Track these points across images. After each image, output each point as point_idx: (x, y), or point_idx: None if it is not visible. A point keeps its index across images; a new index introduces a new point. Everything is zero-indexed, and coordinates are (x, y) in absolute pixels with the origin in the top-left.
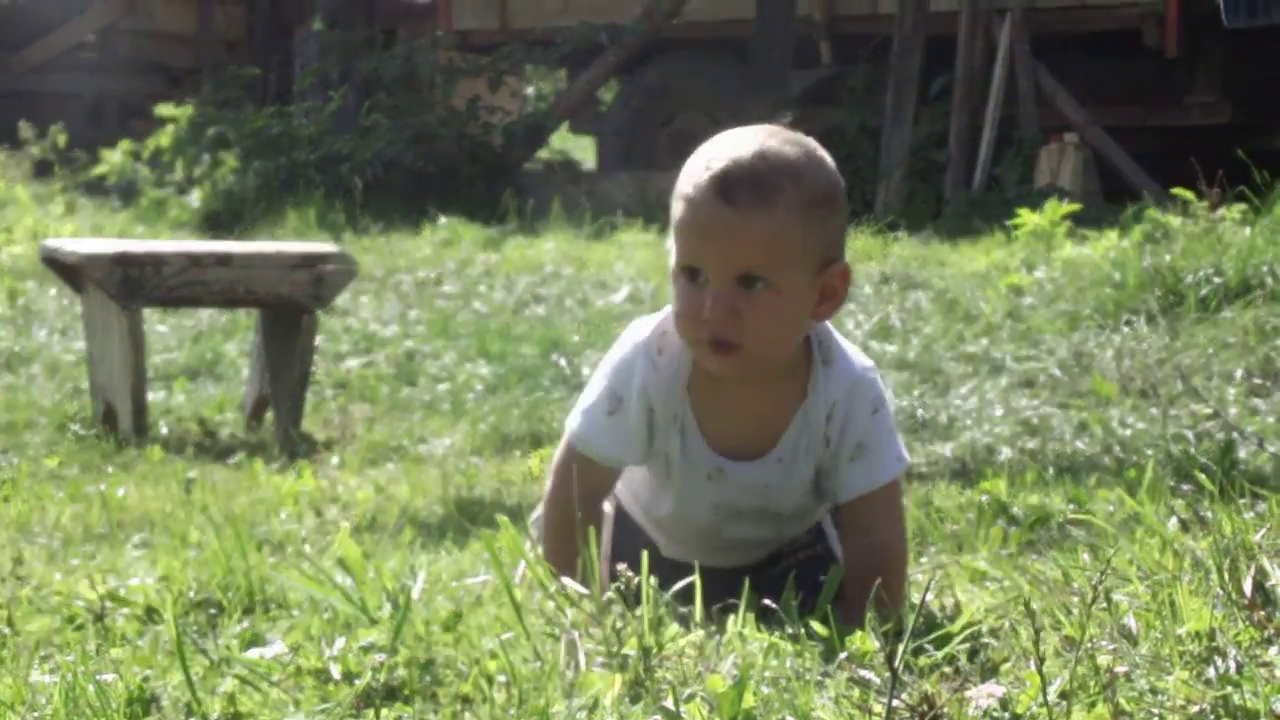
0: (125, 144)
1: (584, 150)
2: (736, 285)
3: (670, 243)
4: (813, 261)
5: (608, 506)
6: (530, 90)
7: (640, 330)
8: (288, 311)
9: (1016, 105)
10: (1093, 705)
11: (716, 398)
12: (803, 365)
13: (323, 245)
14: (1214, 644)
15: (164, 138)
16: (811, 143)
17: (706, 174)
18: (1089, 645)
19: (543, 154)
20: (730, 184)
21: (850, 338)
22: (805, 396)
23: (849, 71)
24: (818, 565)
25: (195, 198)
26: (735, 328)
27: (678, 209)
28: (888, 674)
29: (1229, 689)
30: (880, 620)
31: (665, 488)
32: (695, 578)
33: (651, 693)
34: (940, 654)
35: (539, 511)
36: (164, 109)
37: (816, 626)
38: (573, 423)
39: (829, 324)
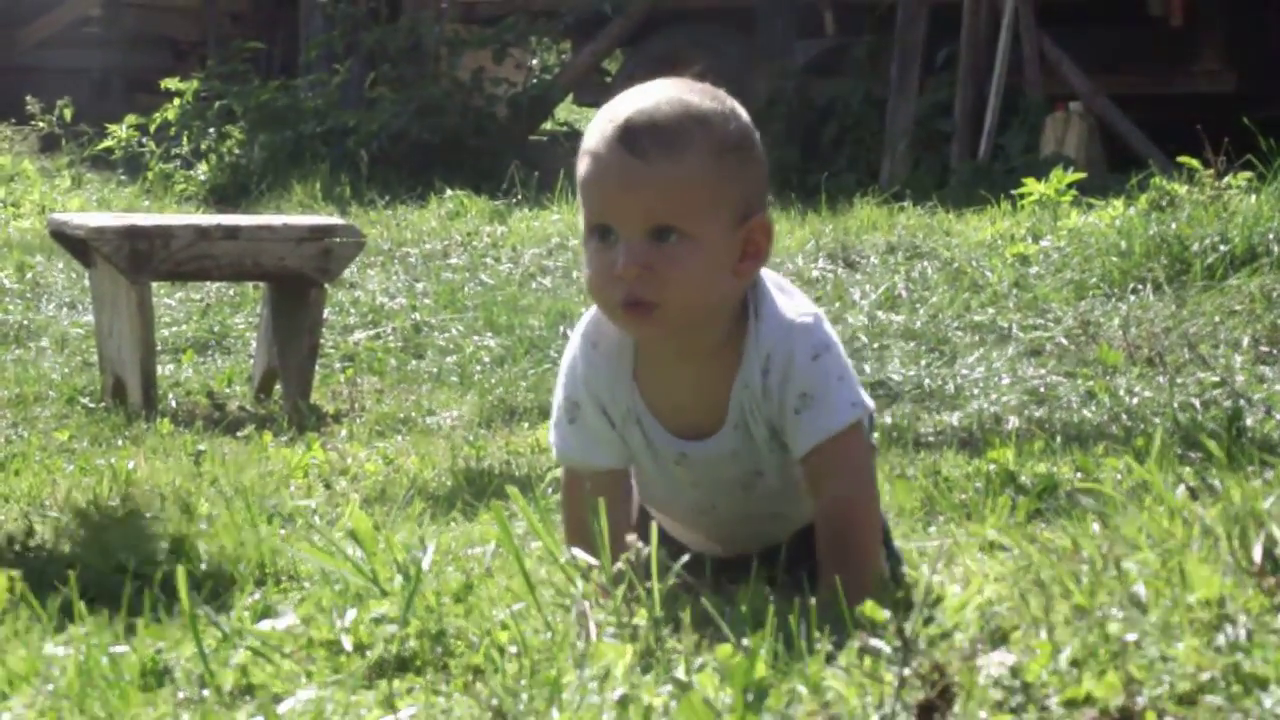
0: (131, 118)
1: (589, 121)
2: (649, 240)
3: (579, 203)
4: (729, 212)
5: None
6: (535, 62)
7: (578, 328)
8: (296, 285)
9: (1021, 74)
10: (1103, 673)
11: (661, 382)
12: (739, 331)
13: (330, 218)
14: (1224, 611)
15: (170, 111)
16: (721, 93)
17: (610, 126)
18: (1099, 613)
19: (548, 125)
20: (634, 134)
21: (855, 308)
22: (742, 361)
23: (853, 42)
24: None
25: (201, 171)
26: (650, 284)
27: (583, 166)
28: (899, 643)
29: (1239, 656)
30: (846, 587)
31: (645, 477)
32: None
33: (663, 663)
34: (950, 623)
35: None
36: (169, 83)
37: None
38: (550, 439)
39: (766, 279)
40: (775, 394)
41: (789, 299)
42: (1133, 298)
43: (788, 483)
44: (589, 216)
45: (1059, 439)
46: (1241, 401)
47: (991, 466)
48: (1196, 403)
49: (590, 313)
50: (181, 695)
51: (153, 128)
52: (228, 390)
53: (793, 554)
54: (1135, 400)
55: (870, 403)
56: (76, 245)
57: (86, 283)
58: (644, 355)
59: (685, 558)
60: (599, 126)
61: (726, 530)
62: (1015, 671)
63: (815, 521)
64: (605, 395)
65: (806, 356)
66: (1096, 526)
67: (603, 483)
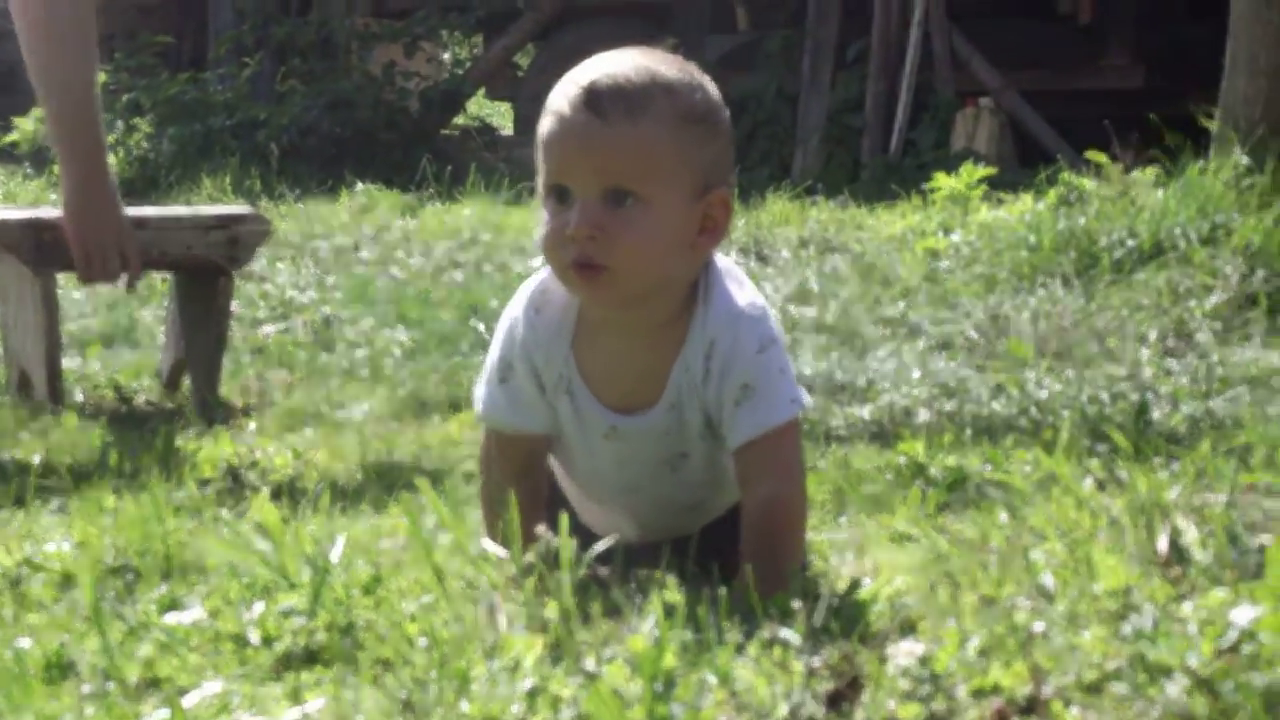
0: (37, 111)
1: (502, 116)
2: (605, 202)
3: (538, 164)
4: (689, 182)
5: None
6: (446, 56)
7: (523, 290)
8: (203, 274)
9: (932, 70)
10: (1010, 662)
11: (600, 353)
12: (685, 311)
13: (238, 207)
14: (1129, 601)
15: None
16: (692, 66)
17: (575, 87)
18: (1007, 603)
19: (460, 120)
20: (598, 95)
21: (769, 301)
22: (686, 340)
23: (766, 37)
24: (726, 517)
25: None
26: (602, 247)
27: (544, 125)
28: (808, 633)
29: (1144, 645)
30: (766, 582)
31: (568, 450)
32: (614, 539)
33: (572, 654)
34: (859, 613)
35: None
36: None
37: (738, 585)
38: (476, 395)
39: (720, 264)
40: (715, 381)
41: (739, 288)
42: (1042, 292)
43: (712, 469)
44: (546, 176)
45: (968, 432)
46: (1148, 395)
47: (902, 459)
48: (1104, 396)
49: (536, 278)
50: (86, 689)
51: None
52: (135, 384)
53: (704, 545)
54: (1044, 393)
55: (807, 400)
56: None
57: None
58: (586, 325)
59: (597, 548)
60: (564, 87)
61: (646, 513)
62: (924, 661)
63: (743, 515)
64: (540, 360)
65: (752, 348)
66: (1005, 517)
67: (524, 447)
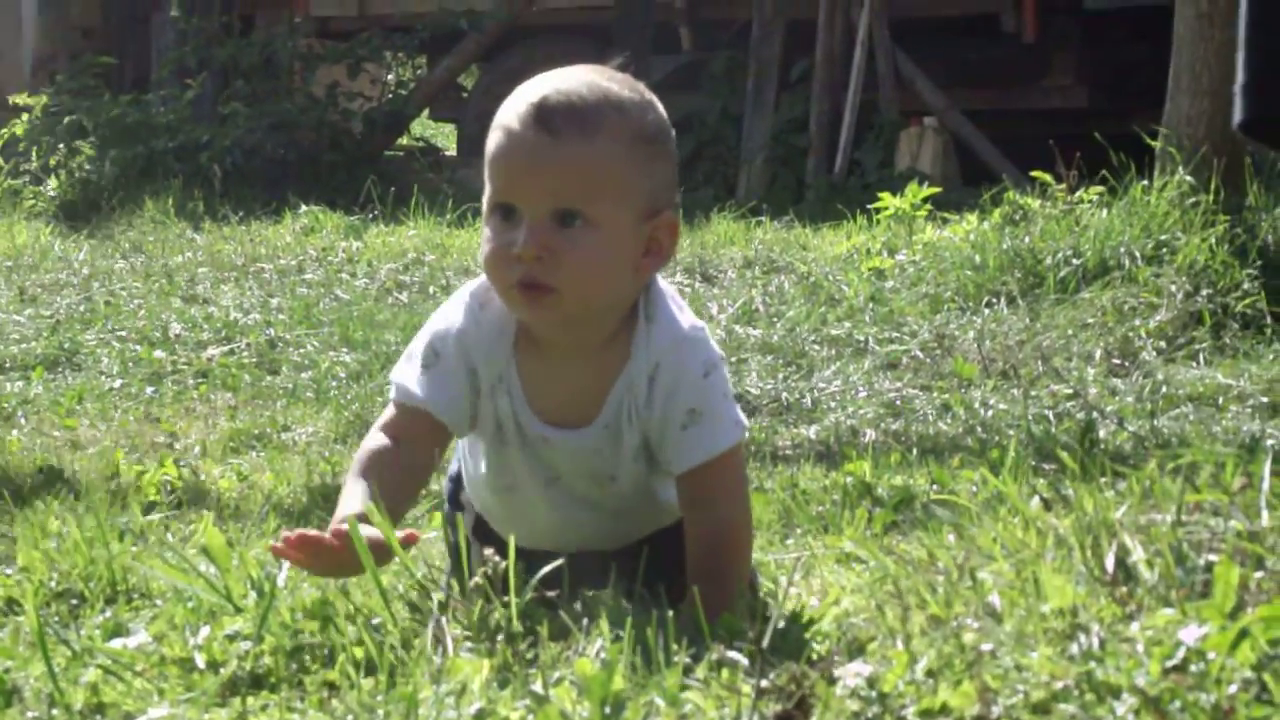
0: None
1: (446, 137)
2: (552, 222)
3: (486, 180)
4: (637, 204)
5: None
6: (390, 77)
7: (465, 288)
8: None
9: (876, 90)
10: (959, 683)
11: (541, 362)
12: (628, 328)
13: None
14: (1077, 620)
15: (18, 127)
16: (641, 86)
17: (525, 103)
18: (954, 624)
19: (404, 141)
20: (550, 112)
21: (713, 322)
22: (629, 359)
23: (710, 57)
24: (671, 538)
25: (51, 187)
26: (549, 268)
27: (493, 140)
28: (756, 654)
29: (1092, 664)
30: (712, 606)
31: (495, 458)
32: (561, 561)
33: (520, 677)
34: (807, 634)
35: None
36: (18, 98)
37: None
38: (391, 378)
39: (661, 285)
40: (660, 405)
41: (679, 310)
42: (987, 311)
43: (639, 492)
44: (493, 194)
45: (915, 451)
46: (1094, 414)
47: (848, 479)
48: (1050, 415)
49: (475, 282)
50: (30, 715)
51: (1, 144)
52: (78, 407)
53: (650, 567)
54: (990, 413)
55: (747, 424)
56: None
57: None
58: (526, 333)
59: (547, 568)
60: (514, 103)
61: (569, 529)
62: (872, 682)
63: (688, 539)
64: (480, 358)
65: (698, 372)
66: (952, 537)
67: (421, 424)
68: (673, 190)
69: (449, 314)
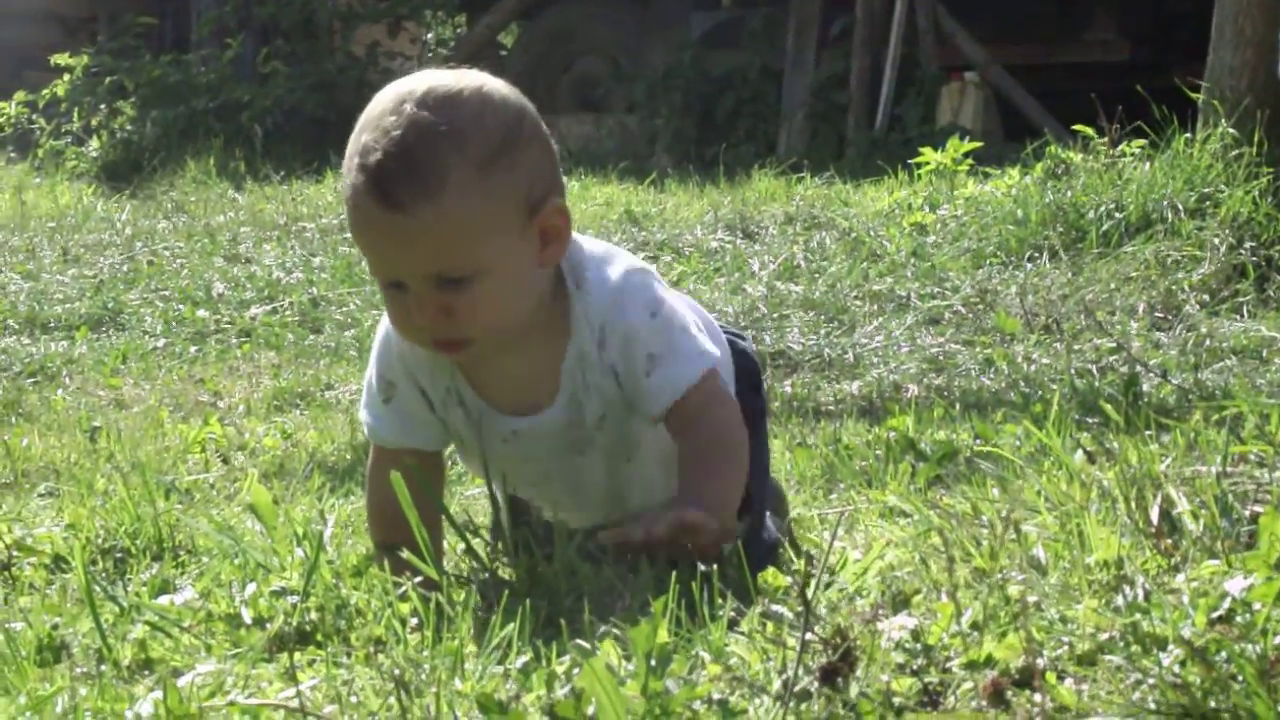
0: (20, 94)
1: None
2: (438, 288)
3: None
4: (514, 218)
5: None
6: (430, 36)
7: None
8: None
9: (917, 45)
10: (1004, 635)
11: (486, 365)
12: (560, 304)
13: None
14: (1122, 572)
15: (60, 87)
16: (471, 81)
17: (360, 174)
18: (999, 576)
19: None
20: (385, 182)
21: (755, 278)
22: (570, 333)
23: (749, 14)
24: None
25: (93, 148)
26: (454, 325)
27: (348, 207)
28: (800, 608)
29: (1138, 616)
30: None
31: (470, 455)
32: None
33: (565, 631)
34: (852, 587)
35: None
36: (60, 58)
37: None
38: (361, 417)
39: (581, 244)
40: (619, 364)
41: (609, 261)
42: (1029, 265)
43: (616, 454)
44: (371, 267)
45: (958, 406)
46: (1138, 367)
47: (891, 434)
48: (1093, 369)
49: None
50: (79, 670)
51: (42, 104)
52: (122, 367)
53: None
54: (1033, 367)
55: (717, 351)
56: None
57: None
58: None
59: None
60: (351, 166)
61: (563, 500)
62: (916, 634)
63: (680, 453)
64: (424, 377)
65: (643, 316)
66: (996, 491)
67: (416, 459)
68: (550, 174)
69: (385, 341)
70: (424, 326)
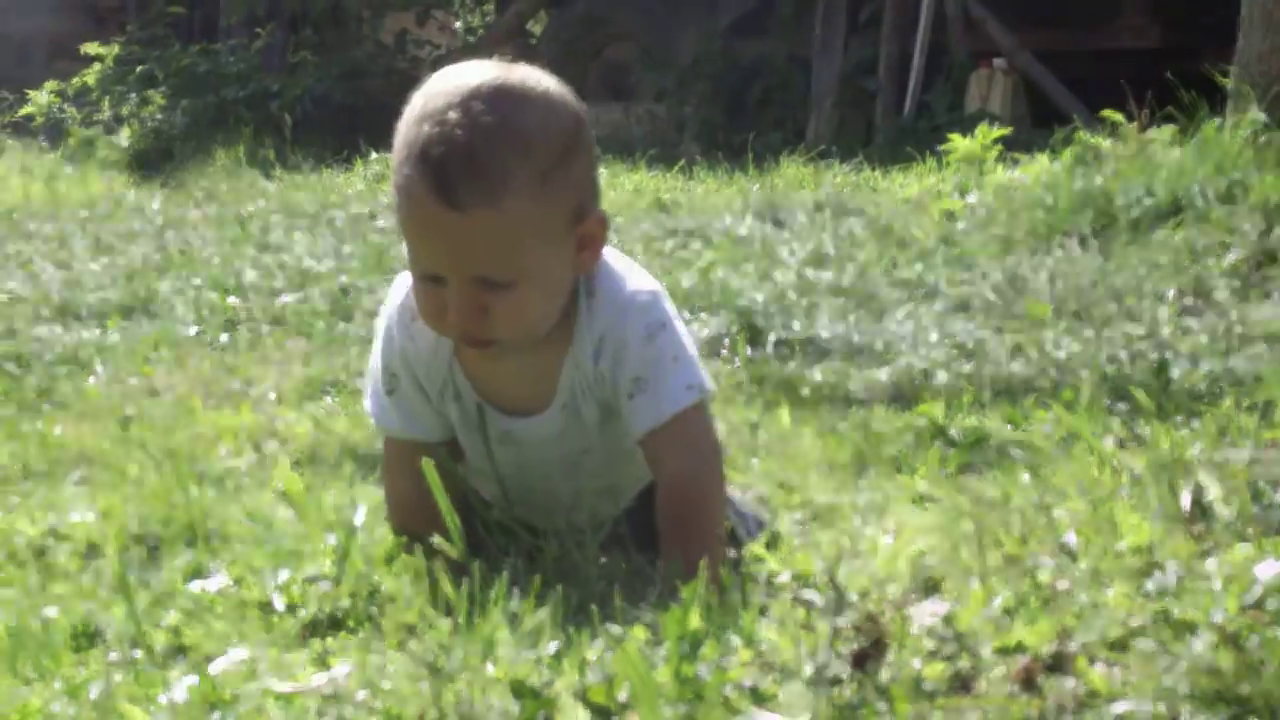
0: (51, 84)
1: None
2: (479, 287)
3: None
4: (561, 228)
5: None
6: (459, 24)
7: (394, 294)
8: None
9: (946, 31)
10: (1035, 620)
11: (487, 363)
12: (569, 310)
13: None
14: (1153, 558)
15: (90, 77)
16: (536, 83)
17: (420, 166)
18: (1030, 562)
19: None
20: (448, 180)
21: (784, 266)
22: (571, 341)
23: (778, 1)
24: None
25: (124, 137)
26: (486, 325)
27: (398, 202)
28: (831, 594)
29: (1169, 601)
30: (681, 552)
31: (472, 451)
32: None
33: (596, 616)
34: (883, 573)
35: None
36: (90, 48)
37: (760, 552)
38: (366, 407)
39: (605, 254)
40: (608, 378)
41: (626, 275)
42: (1059, 252)
43: (613, 458)
44: (412, 260)
45: (988, 393)
46: (1168, 353)
47: (921, 421)
48: (1124, 355)
49: (405, 288)
50: (113, 656)
51: (73, 93)
52: (154, 355)
53: (636, 530)
54: (1063, 354)
55: (709, 384)
56: None
57: (9, 249)
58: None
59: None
60: (409, 155)
61: (553, 503)
62: (948, 620)
63: (657, 496)
64: (420, 369)
65: (640, 338)
66: (1026, 477)
67: (422, 450)
68: (594, 181)
69: (387, 332)
70: (456, 324)
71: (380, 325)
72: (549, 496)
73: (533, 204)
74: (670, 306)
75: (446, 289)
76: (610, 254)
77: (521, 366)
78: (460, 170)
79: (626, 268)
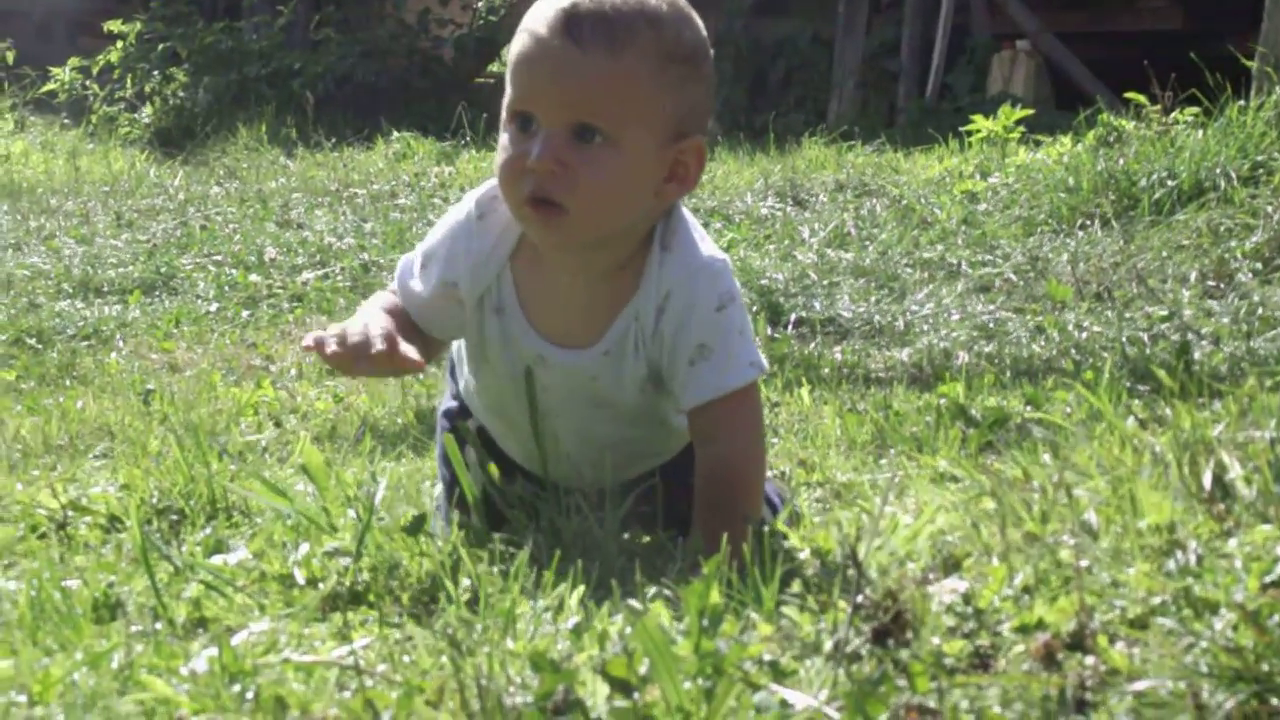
0: (74, 61)
1: None
2: (570, 136)
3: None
4: (663, 125)
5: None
6: (481, 3)
7: (476, 191)
8: None
9: (968, 13)
10: (1055, 598)
11: (541, 278)
12: (642, 255)
13: None
14: (1174, 537)
15: (113, 54)
16: (684, 3)
17: (556, 9)
18: (1050, 540)
19: (494, 67)
20: (579, 20)
21: (805, 246)
22: (638, 289)
23: None
24: (682, 468)
25: (146, 114)
26: (562, 183)
27: (518, 44)
28: (852, 571)
29: (1190, 580)
30: (715, 535)
31: (486, 380)
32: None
33: (617, 591)
34: (903, 551)
35: None
36: (113, 25)
37: (781, 528)
38: (401, 262)
39: (684, 213)
40: (669, 337)
41: (701, 240)
42: (1081, 233)
43: (640, 422)
44: (512, 100)
45: (1009, 373)
46: (1190, 335)
47: (942, 400)
48: (1145, 337)
49: (490, 183)
50: (135, 628)
51: (96, 70)
52: (175, 331)
53: (669, 500)
54: (1084, 334)
55: (765, 363)
56: None
57: (31, 223)
58: (530, 246)
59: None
60: (544, 8)
61: (560, 440)
62: (968, 598)
63: (696, 472)
64: (465, 269)
65: (710, 305)
66: (1047, 456)
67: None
68: (705, 114)
69: (455, 223)
70: (536, 170)
71: (450, 214)
72: (562, 440)
73: (649, 76)
74: (735, 281)
75: (534, 138)
76: (692, 218)
77: (575, 290)
78: (592, 16)
79: (703, 235)
